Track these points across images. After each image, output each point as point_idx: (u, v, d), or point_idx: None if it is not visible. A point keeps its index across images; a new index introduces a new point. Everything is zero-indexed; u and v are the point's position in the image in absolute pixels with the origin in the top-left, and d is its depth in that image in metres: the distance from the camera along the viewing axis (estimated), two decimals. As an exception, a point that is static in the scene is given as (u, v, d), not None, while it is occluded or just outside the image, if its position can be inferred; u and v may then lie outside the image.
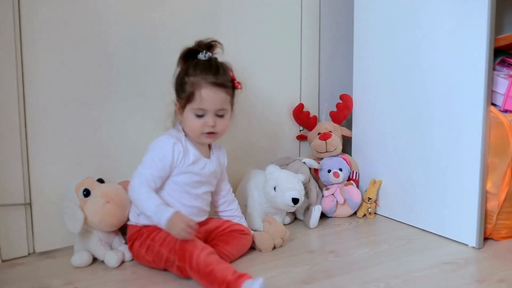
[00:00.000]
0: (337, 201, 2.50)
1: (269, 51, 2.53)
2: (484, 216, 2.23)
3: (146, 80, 2.26)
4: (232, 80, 2.03)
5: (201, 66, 1.98)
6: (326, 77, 2.71)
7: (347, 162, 2.56)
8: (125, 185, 2.06)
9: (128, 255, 2.09)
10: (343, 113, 2.64)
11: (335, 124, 2.64)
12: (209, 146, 2.14)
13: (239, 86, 2.04)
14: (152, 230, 2.01)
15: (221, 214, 2.24)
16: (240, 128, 2.49)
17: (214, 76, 1.97)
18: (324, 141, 2.56)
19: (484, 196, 2.21)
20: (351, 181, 2.57)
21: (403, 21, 2.37)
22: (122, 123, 2.25)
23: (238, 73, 2.43)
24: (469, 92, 2.17)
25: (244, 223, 2.23)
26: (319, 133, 2.60)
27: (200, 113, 1.99)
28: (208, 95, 1.96)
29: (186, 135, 2.05)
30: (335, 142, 2.57)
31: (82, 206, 2.04)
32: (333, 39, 2.70)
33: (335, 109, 2.66)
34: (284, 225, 2.41)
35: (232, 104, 2.06)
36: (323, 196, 2.51)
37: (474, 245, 2.23)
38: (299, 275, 1.99)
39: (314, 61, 2.67)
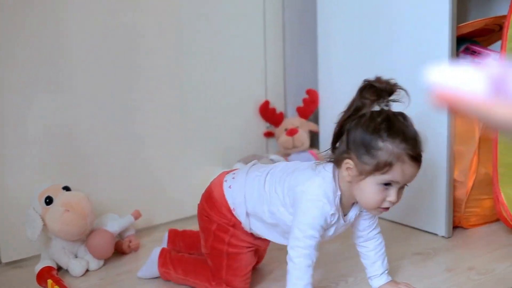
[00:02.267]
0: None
1: (232, 48, 2.51)
2: (453, 204, 2.23)
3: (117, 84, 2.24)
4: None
5: (399, 132, 1.60)
6: (292, 73, 2.69)
7: (315, 157, 2.54)
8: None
9: (93, 264, 2.06)
10: (309, 108, 2.63)
11: (302, 120, 2.63)
12: None
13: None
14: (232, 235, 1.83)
15: (358, 249, 1.90)
16: (206, 128, 2.47)
17: (415, 149, 1.61)
18: (291, 137, 2.55)
19: (452, 184, 2.21)
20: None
21: (366, 13, 2.36)
22: (94, 130, 2.21)
23: (202, 71, 2.42)
24: (432, 81, 2.16)
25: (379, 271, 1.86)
26: (286, 129, 2.58)
27: (388, 182, 1.62)
28: (409, 170, 1.61)
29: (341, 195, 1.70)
30: (302, 137, 2.56)
31: (43, 214, 2.01)
32: (297, 33, 2.69)
33: (301, 104, 2.64)
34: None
35: None
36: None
37: (444, 235, 2.22)
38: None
39: (279, 57, 2.65)
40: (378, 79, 1.65)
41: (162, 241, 2.10)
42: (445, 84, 0.75)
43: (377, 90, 1.62)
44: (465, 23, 2.24)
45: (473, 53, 2.30)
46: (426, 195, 2.24)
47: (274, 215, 1.74)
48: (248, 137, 2.60)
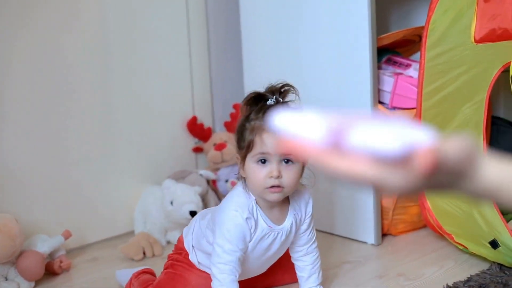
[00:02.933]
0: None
1: (158, 65, 2.51)
2: (381, 213, 2.27)
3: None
4: None
5: (265, 109, 1.66)
6: (218, 88, 2.70)
7: (244, 171, 2.56)
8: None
9: (23, 286, 2.03)
10: (237, 122, 2.64)
11: (230, 134, 2.63)
12: (283, 204, 1.79)
13: None
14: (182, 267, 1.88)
15: (293, 262, 1.90)
16: (134, 144, 2.46)
17: (263, 113, 1.66)
18: (220, 152, 2.56)
19: (379, 194, 2.24)
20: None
21: (289, 27, 2.38)
22: (20, 148, 2.19)
23: (128, 88, 2.42)
24: (356, 92, 2.21)
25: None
26: (214, 144, 2.59)
27: (261, 158, 1.66)
28: (270, 139, 1.63)
29: (256, 200, 1.74)
30: (231, 151, 2.57)
31: (-30, 237, 1.97)
32: (222, 49, 2.70)
33: (229, 119, 2.66)
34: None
35: None
36: (222, 206, 2.50)
37: (373, 242, 2.26)
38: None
39: (205, 73, 2.66)
40: (268, 87, 1.73)
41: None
42: (287, 130, 0.74)
43: (260, 96, 1.70)
44: (385, 35, 2.30)
45: (395, 63, 2.35)
46: (354, 205, 2.28)
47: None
48: (177, 152, 2.60)
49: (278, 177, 1.65)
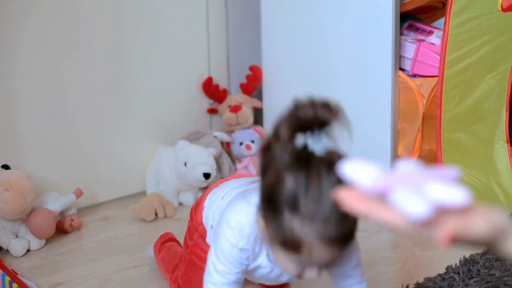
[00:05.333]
0: (250, 174, 2.47)
1: (174, 24, 2.46)
2: (397, 181, 2.23)
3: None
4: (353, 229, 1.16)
5: (309, 208, 1.08)
6: (235, 49, 2.66)
7: (259, 134, 2.53)
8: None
9: (34, 244, 2.01)
10: (253, 85, 2.61)
11: (246, 96, 2.60)
12: None
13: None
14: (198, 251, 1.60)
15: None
16: (148, 104, 2.42)
17: (331, 230, 1.10)
18: (235, 114, 2.52)
19: (396, 161, 2.21)
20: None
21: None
22: (33, 106, 2.16)
23: (144, 46, 2.37)
24: (377, 58, 2.16)
25: None
26: (229, 106, 2.55)
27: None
28: (323, 255, 1.14)
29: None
30: (246, 114, 2.54)
31: (-19, 193, 1.95)
32: (240, 9, 2.65)
33: (245, 81, 2.62)
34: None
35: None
36: (236, 169, 2.48)
37: (388, 211, 2.23)
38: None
39: (222, 33, 2.62)
40: (308, 105, 1.10)
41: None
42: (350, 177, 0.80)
43: (300, 122, 1.10)
44: (409, 0, 2.24)
45: (417, 30, 2.30)
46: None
47: None
48: (191, 114, 2.56)
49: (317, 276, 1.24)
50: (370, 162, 0.80)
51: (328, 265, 1.22)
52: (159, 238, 1.91)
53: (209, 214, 1.56)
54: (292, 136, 1.09)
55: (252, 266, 1.41)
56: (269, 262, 1.40)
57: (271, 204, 1.13)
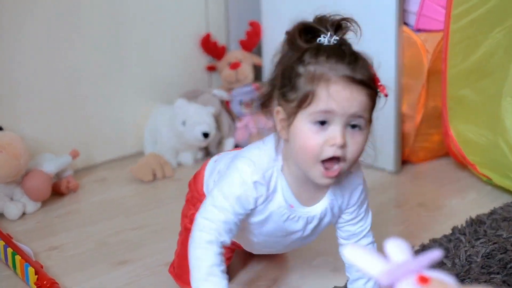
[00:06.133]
0: (250, 132, 2.43)
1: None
2: (401, 139, 2.19)
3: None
4: (375, 79, 1.27)
5: (327, 52, 1.23)
6: (234, 3, 2.60)
7: (259, 92, 2.47)
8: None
9: (29, 207, 1.98)
10: (252, 41, 2.55)
11: (245, 53, 2.55)
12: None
13: (384, 91, 1.28)
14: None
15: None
16: (145, 62, 2.37)
17: (350, 67, 1.21)
18: (234, 71, 2.47)
19: (400, 118, 2.17)
20: (265, 111, 2.49)
21: None
22: (26, 65, 2.10)
23: (140, 2, 2.31)
24: (381, 12, 2.11)
25: None
26: (229, 63, 2.50)
27: (322, 118, 1.21)
28: (339, 93, 1.20)
29: (282, 167, 1.32)
30: (246, 71, 2.48)
31: (-26, 155, 1.91)
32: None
33: (244, 37, 2.56)
34: (196, 160, 2.32)
35: (371, 116, 1.29)
36: (236, 128, 2.43)
37: (392, 170, 2.18)
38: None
39: (220, -13, 2.56)
40: (317, 19, 1.30)
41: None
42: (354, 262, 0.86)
43: (315, 30, 1.27)
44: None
45: None
46: (373, 130, 2.19)
47: None
48: (190, 71, 2.51)
49: (342, 145, 1.21)
50: (369, 251, 0.87)
51: (350, 112, 1.21)
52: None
53: (210, 182, 1.48)
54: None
55: (261, 215, 1.34)
56: (285, 202, 1.32)
57: (285, 72, 1.25)
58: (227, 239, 1.31)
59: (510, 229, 1.77)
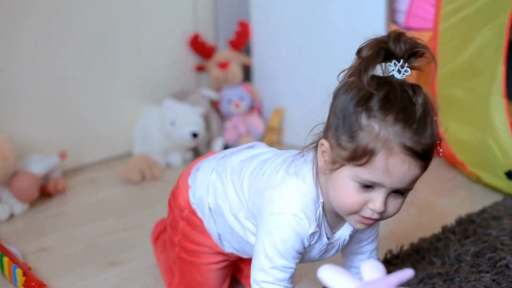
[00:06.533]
0: (239, 132, 2.42)
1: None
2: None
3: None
4: (436, 142, 1.15)
5: (396, 108, 1.10)
6: (223, 2, 2.59)
7: (248, 92, 2.47)
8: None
9: (17, 208, 1.96)
10: (241, 41, 2.54)
11: (234, 52, 2.54)
12: None
13: (440, 154, 1.18)
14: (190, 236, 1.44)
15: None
16: (134, 62, 2.36)
17: (415, 138, 1.10)
18: (223, 71, 2.46)
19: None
20: (254, 111, 2.49)
21: None
22: (13, 65, 2.09)
23: (128, 2, 2.30)
24: (370, 11, 2.10)
25: None
26: (217, 63, 2.49)
27: (369, 184, 1.14)
28: (397, 168, 1.11)
29: (323, 204, 1.24)
30: (235, 71, 2.47)
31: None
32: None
33: (233, 37, 2.55)
34: (185, 161, 2.31)
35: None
36: (225, 128, 2.42)
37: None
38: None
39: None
40: (397, 36, 1.16)
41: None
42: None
43: (389, 52, 1.15)
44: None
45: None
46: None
47: (236, 218, 1.35)
48: (179, 71, 2.50)
49: (382, 212, 1.16)
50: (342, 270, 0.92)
51: (399, 187, 1.13)
52: (154, 227, 1.69)
53: (202, 191, 1.40)
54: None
55: (309, 250, 1.27)
56: (327, 239, 1.27)
57: (346, 114, 1.13)
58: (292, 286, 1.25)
59: (500, 227, 1.76)
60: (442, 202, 1.99)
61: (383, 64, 1.15)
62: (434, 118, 1.15)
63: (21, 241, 1.82)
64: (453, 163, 2.14)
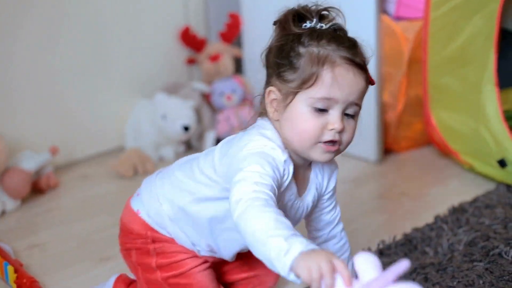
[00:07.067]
0: (231, 125, 2.41)
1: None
2: (383, 128, 2.18)
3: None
4: (367, 63, 1.27)
5: (327, 35, 1.24)
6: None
7: (240, 84, 2.46)
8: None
9: (9, 205, 1.96)
10: (232, 33, 2.53)
11: (225, 45, 2.53)
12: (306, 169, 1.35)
13: (373, 82, 1.28)
14: (171, 257, 1.39)
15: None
16: (124, 56, 2.35)
17: (351, 52, 1.23)
18: (214, 63, 2.45)
19: (382, 108, 2.16)
20: (246, 103, 2.48)
21: None
22: (4, 62, 2.09)
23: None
24: (360, 0, 2.09)
25: None
26: (209, 56, 2.48)
27: (322, 105, 1.21)
28: (344, 77, 1.21)
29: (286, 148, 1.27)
30: (226, 63, 2.46)
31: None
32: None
33: (224, 29, 2.54)
34: (178, 154, 2.30)
35: (361, 104, 1.28)
36: (217, 121, 2.41)
37: (375, 160, 2.18)
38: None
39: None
40: (301, 7, 1.29)
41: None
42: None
43: (302, 16, 1.28)
44: None
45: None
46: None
47: (202, 202, 1.32)
48: (169, 64, 2.49)
49: (341, 130, 1.22)
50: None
51: (351, 105, 1.23)
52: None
53: (154, 206, 1.38)
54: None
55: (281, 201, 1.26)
56: (296, 194, 1.30)
57: (282, 53, 1.25)
58: (273, 196, 1.14)
59: (493, 216, 1.76)
60: (435, 191, 1.98)
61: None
62: (361, 46, 1.27)
63: (13, 238, 1.82)
64: (445, 152, 2.14)
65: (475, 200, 1.87)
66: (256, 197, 1.11)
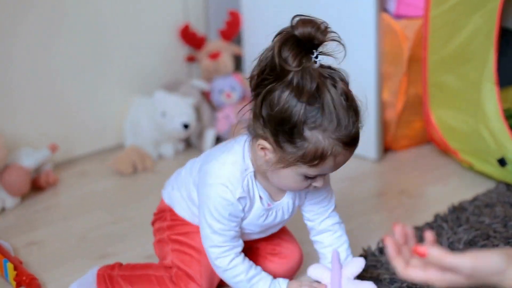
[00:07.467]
0: (231, 123, 2.41)
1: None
2: (383, 127, 2.18)
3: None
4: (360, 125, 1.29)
5: (331, 115, 1.22)
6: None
7: (239, 82, 2.46)
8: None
9: (9, 202, 1.96)
10: (232, 31, 2.53)
11: (225, 43, 2.53)
12: None
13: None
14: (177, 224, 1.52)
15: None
16: (123, 53, 2.34)
17: (351, 133, 1.24)
18: (214, 61, 2.45)
19: (381, 106, 2.16)
20: (246, 101, 2.48)
21: None
22: (3, 59, 2.08)
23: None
24: (360, -1, 2.10)
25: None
26: (208, 53, 2.48)
27: (314, 175, 1.29)
28: (342, 160, 1.28)
29: (255, 173, 1.37)
30: (226, 61, 2.46)
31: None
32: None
33: (224, 27, 2.54)
34: (177, 152, 2.30)
35: None
36: (216, 118, 2.41)
37: (374, 158, 2.18)
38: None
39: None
40: (303, 22, 1.25)
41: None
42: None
43: (300, 41, 1.24)
44: None
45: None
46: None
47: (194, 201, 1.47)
48: (169, 62, 2.49)
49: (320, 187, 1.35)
50: None
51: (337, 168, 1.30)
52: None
53: (179, 190, 1.51)
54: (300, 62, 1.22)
55: (250, 217, 1.40)
56: (262, 205, 1.39)
57: (284, 125, 1.23)
58: (239, 245, 1.41)
59: (493, 215, 1.76)
60: (434, 190, 1.98)
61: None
62: (360, 107, 1.28)
63: (13, 235, 1.82)
64: (445, 150, 2.14)
65: (475, 199, 1.87)
66: (226, 258, 1.39)
